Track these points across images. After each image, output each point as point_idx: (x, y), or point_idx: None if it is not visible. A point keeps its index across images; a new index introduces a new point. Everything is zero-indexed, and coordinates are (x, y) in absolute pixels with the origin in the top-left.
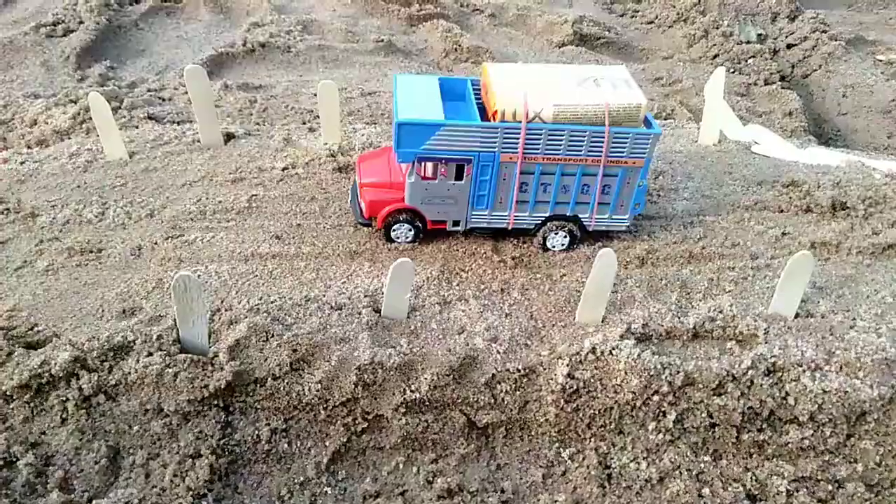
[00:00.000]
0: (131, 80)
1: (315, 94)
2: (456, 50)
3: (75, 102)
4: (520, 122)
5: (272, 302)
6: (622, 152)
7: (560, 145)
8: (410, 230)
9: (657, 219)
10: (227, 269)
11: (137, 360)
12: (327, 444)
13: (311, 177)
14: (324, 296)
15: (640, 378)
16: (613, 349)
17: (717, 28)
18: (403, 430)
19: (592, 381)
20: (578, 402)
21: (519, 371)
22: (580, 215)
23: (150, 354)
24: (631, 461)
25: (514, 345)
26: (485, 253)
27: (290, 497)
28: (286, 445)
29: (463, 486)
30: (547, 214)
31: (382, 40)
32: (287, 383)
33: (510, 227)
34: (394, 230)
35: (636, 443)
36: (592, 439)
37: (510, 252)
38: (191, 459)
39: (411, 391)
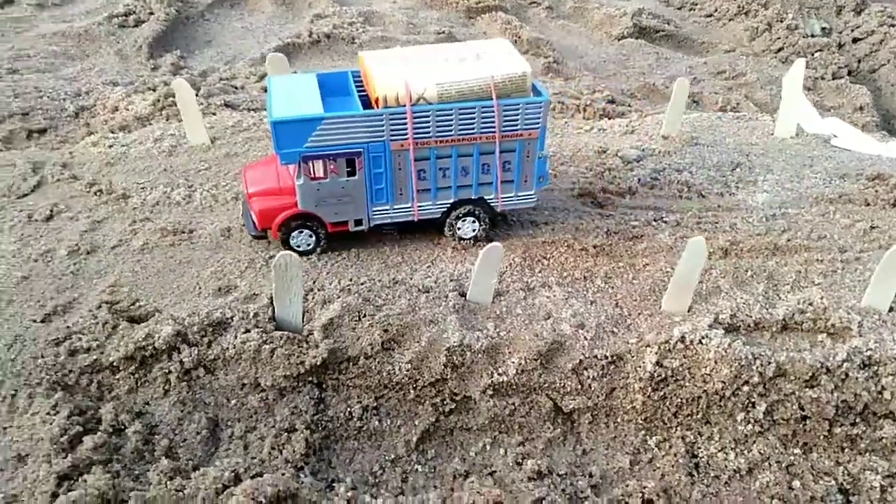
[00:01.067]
0: (202, 69)
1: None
2: (516, 42)
3: (153, 90)
4: (404, 105)
5: (362, 283)
6: (515, 124)
7: (450, 125)
8: (311, 236)
9: (737, 210)
10: (316, 250)
11: (235, 336)
12: (416, 423)
13: None
14: (411, 279)
15: (731, 368)
16: (703, 338)
17: (782, 21)
18: (491, 412)
19: (681, 369)
20: (666, 391)
21: (606, 358)
22: (486, 197)
23: (248, 331)
24: (719, 451)
25: (600, 332)
26: (565, 241)
27: (382, 473)
28: (377, 423)
29: (552, 468)
30: (451, 200)
31: (443, 32)
32: (378, 362)
33: (416, 219)
34: (293, 238)
35: (724, 433)
36: (678, 428)
37: (591, 241)
38: (286, 433)
39: (499, 374)
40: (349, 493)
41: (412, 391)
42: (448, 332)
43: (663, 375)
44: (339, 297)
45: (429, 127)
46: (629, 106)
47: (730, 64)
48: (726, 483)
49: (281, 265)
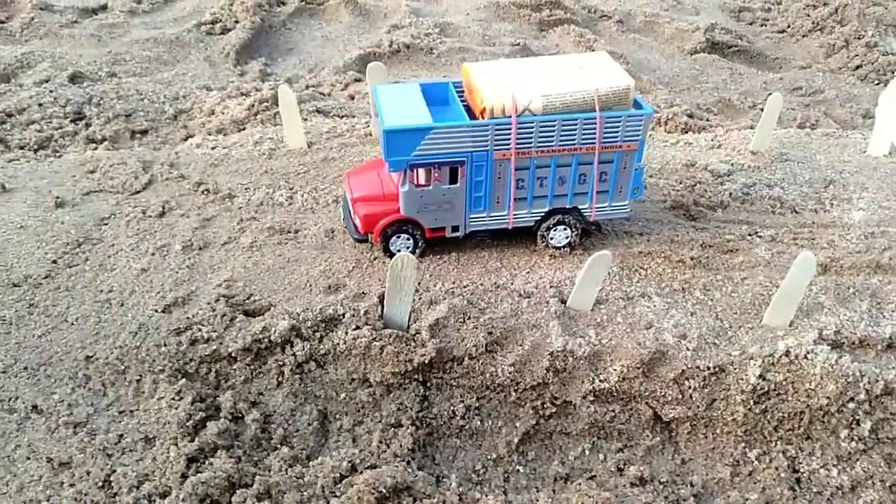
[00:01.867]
0: (287, 76)
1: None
2: None
3: (246, 95)
4: (509, 116)
5: (465, 286)
6: (616, 136)
7: (552, 136)
8: (409, 240)
9: (833, 227)
10: (417, 253)
11: (346, 332)
12: (517, 424)
13: None
14: (511, 284)
15: (837, 384)
16: (808, 353)
17: (860, 38)
18: (591, 417)
19: (784, 383)
20: (768, 404)
21: (708, 369)
22: (580, 206)
23: (358, 328)
24: (821, 467)
25: (702, 343)
26: (662, 253)
27: (484, 472)
28: (479, 423)
29: (653, 475)
30: (546, 209)
31: (518, 44)
32: (481, 364)
33: (511, 227)
34: (392, 243)
35: (826, 449)
36: (779, 442)
37: (687, 253)
38: (393, 429)
39: (600, 381)
40: (460, 489)
41: (514, 393)
42: (551, 338)
43: (766, 389)
44: (444, 299)
45: (531, 137)
46: (707, 120)
47: (806, 80)
48: (828, 499)
49: (397, 265)
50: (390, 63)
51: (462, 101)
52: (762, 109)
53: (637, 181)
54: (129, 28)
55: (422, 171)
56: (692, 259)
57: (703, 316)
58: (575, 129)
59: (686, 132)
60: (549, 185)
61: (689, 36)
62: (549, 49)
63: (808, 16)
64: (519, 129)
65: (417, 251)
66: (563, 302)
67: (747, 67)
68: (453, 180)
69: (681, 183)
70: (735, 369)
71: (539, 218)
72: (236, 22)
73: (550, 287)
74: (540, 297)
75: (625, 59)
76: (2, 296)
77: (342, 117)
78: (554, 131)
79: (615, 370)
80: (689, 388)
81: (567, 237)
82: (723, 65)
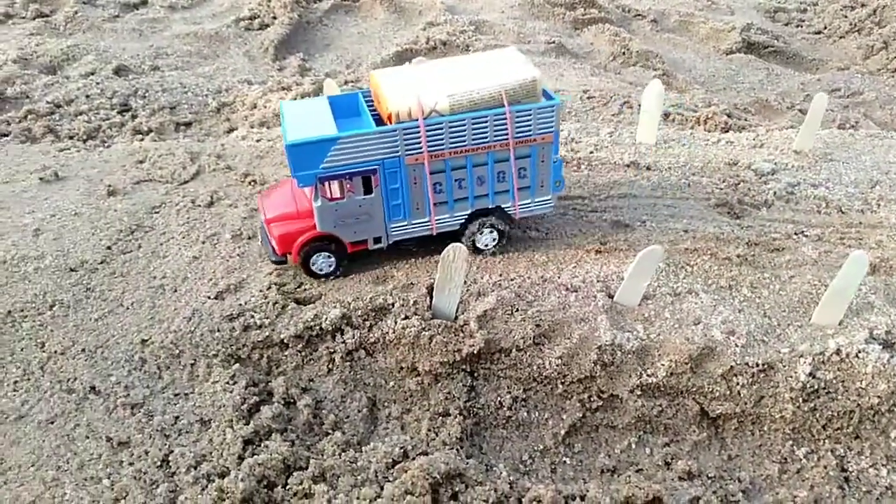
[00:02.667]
0: (325, 71)
1: None
2: (624, 53)
3: (288, 89)
4: (416, 119)
5: (512, 279)
6: (529, 130)
7: (464, 136)
8: (330, 257)
9: (881, 227)
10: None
11: (395, 322)
12: (564, 417)
13: None
14: (558, 277)
15: (889, 383)
16: (860, 352)
17: None
18: (638, 411)
19: (834, 382)
20: (817, 403)
21: (757, 366)
22: (503, 205)
23: (407, 317)
24: (870, 466)
25: (751, 340)
26: (708, 250)
27: (531, 462)
28: (525, 414)
29: (701, 470)
30: (468, 211)
31: (553, 42)
32: (529, 356)
33: (434, 233)
34: (313, 263)
35: (875, 449)
36: (828, 440)
37: (733, 251)
38: (441, 417)
39: (647, 375)
40: (511, 477)
41: (560, 386)
42: (599, 331)
43: (816, 387)
44: (492, 291)
45: (442, 139)
46: (746, 120)
47: (844, 82)
48: (878, 499)
49: (449, 256)
50: (427, 59)
51: (373, 111)
52: (800, 110)
53: (557, 174)
54: (170, 23)
55: (333, 184)
56: (738, 256)
57: (751, 313)
58: (486, 126)
59: (726, 131)
60: (469, 186)
61: (725, 36)
62: (584, 47)
63: (846, 17)
64: (428, 131)
65: (340, 269)
66: (610, 296)
67: (784, 68)
68: (368, 190)
69: (724, 181)
70: (784, 367)
71: (463, 221)
72: (274, 18)
73: (597, 281)
74: (587, 292)
75: (660, 58)
76: (59, 280)
77: None
78: (465, 130)
79: (663, 365)
80: (738, 384)
81: (494, 239)
82: (759, 65)
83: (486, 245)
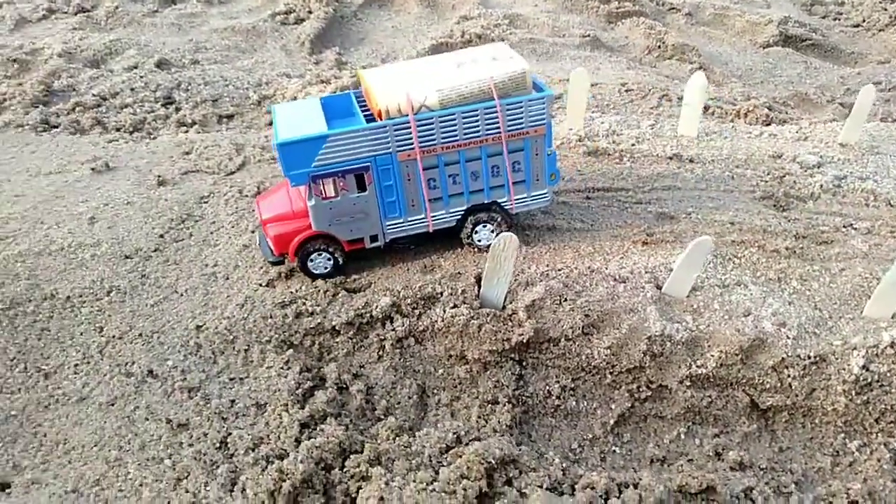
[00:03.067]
0: (361, 65)
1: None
2: (659, 47)
3: (326, 82)
4: (407, 115)
5: (559, 270)
6: (521, 123)
7: (455, 130)
8: (329, 259)
9: None
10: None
11: (444, 310)
12: (612, 406)
13: (564, 159)
14: (606, 268)
15: None
16: None
17: None
18: (687, 402)
19: (888, 375)
20: (870, 395)
21: (809, 358)
22: (499, 200)
23: (456, 306)
24: None
25: (802, 332)
26: (755, 242)
27: (581, 451)
28: (574, 403)
29: (752, 462)
30: (465, 207)
31: (588, 35)
32: (578, 345)
33: (431, 230)
34: (311, 262)
35: None
36: (880, 434)
37: (781, 243)
38: (490, 405)
39: (697, 366)
40: (564, 464)
41: (609, 376)
42: (649, 322)
43: (869, 380)
44: (541, 281)
45: (434, 134)
46: (786, 114)
47: (885, 75)
48: None
49: (499, 245)
50: None
51: (365, 109)
52: (840, 104)
53: (552, 166)
54: (207, 17)
55: (327, 183)
56: (786, 249)
57: (801, 305)
58: (477, 120)
59: (767, 124)
60: (463, 182)
61: (762, 29)
62: (619, 41)
63: (885, 10)
64: (419, 126)
65: (339, 269)
66: (658, 287)
67: (822, 61)
68: (361, 188)
69: (768, 174)
70: (837, 359)
71: (459, 217)
72: (309, 12)
73: (645, 272)
74: (635, 283)
75: (696, 51)
76: (116, 267)
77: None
78: (456, 125)
79: (713, 356)
80: (789, 376)
81: (493, 234)
82: (797, 59)
83: (486, 241)
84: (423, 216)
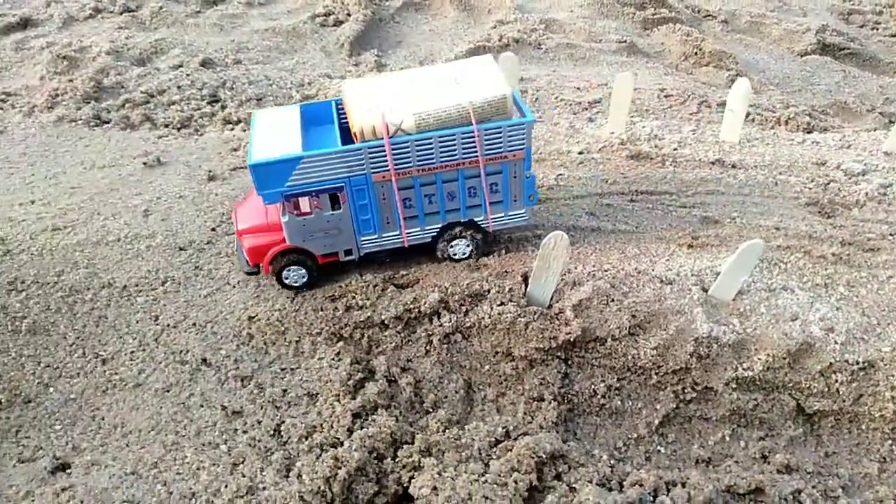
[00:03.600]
0: (399, 67)
1: (578, 88)
2: (696, 54)
3: None
4: (382, 138)
5: (606, 270)
6: (499, 147)
7: (432, 153)
8: (303, 271)
9: None
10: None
11: (491, 307)
12: (657, 407)
13: (607, 162)
14: (652, 270)
15: None
16: None
17: None
18: (733, 404)
19: None
20: None
21: (857, 364)
22: (475, 219)
23: (503, 304)
24: None
25: (850, 337)
26: (801, 247)
27: (626, 450)
28: (619, 402)
29: (798, 465)
30: (440, 225)
31: (625, 41)
32: (624, 345)
33: (406, 245)
34: (285, 276)
35: None
36: None
37: (828, 249)
38: (535, 402)
39: (743, 369)
40: (611, 462)
41: (654, 376)
42: (696, 324)
43: None
44: (588, 281)
45: (409, 157)
46: (827, 122)
47: None
48: None
49: (549, 244)
50: (497, 57)
51: (344, 120)
52: (881, 113)
53: (531, 188)
54: (248, 19)
55: (301, 200)
56: (833, 255)
57: (849, 311)
58: (454, 145)
59: (809, 132)
60: (439, 202)
61: (799, 38)
62: (655, 47)
63: None
64: (395, 149)
65: (313, 281)
66: (705, 290)
67: (860, 71)
68: (336, 206)
69: (812, 181)
70: (886, 365)
71: (436, 234)
72: (348, 14)
73: (692, 275)
74: (682, 285)
75: (733, 58)
76: (170, 258)
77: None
78: (432, 149)
79: (760, 359)
80: (836, 381)
81: (468, 246)
82: (835, 67)
83: (456, 254)
84: (398, 233)
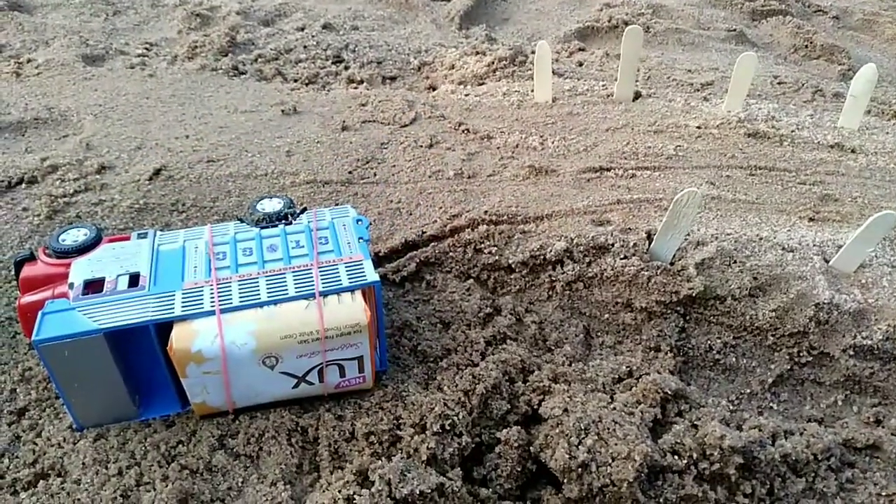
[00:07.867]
0: (509, 44)
1: (689, 70)
2: (807, 46)
3: (483, 54)
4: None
5: (728, 234)
6: None
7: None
8: None
9: None
10: (668, 203)
11: (615, 260)
12: (771, 367)
13: (725, 138)
14: (774, 237)
15: None
16: None
17: None
18: (849, 370)
19: None
20: None
21: None
22: None
23: (626, 257)
24: None
25: None
26: None
27: (739, 403)
28: (733, 360)
29: None
30: None
31: (734, 30)
32: (743, 305)
33: None
34: None
35: None
36: None
37: None
38: (653, 351)
39: (862, 337)
40: (730, 408)
41: (771, 338)
42: (818, 290)
43: None
44: (711, 241)
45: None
46: None
47: None
48: None
49: (682, 200)
50: (607, 38)
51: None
52: None
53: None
54: None
55: None
56: None
57: None
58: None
59: None
60: None
61: None
62: (763, 38)
63: None
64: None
65: None
66: (826, 261)
67: None
68: None
69: None
70: None
71: None
72: None
73: (813, 245)
74: (804, 253)
75: (846, 53)
76: (314, 193)
77: (578, 79)
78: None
79: (880, 329)
80: None
81: None
82: None
83: None
84: None
